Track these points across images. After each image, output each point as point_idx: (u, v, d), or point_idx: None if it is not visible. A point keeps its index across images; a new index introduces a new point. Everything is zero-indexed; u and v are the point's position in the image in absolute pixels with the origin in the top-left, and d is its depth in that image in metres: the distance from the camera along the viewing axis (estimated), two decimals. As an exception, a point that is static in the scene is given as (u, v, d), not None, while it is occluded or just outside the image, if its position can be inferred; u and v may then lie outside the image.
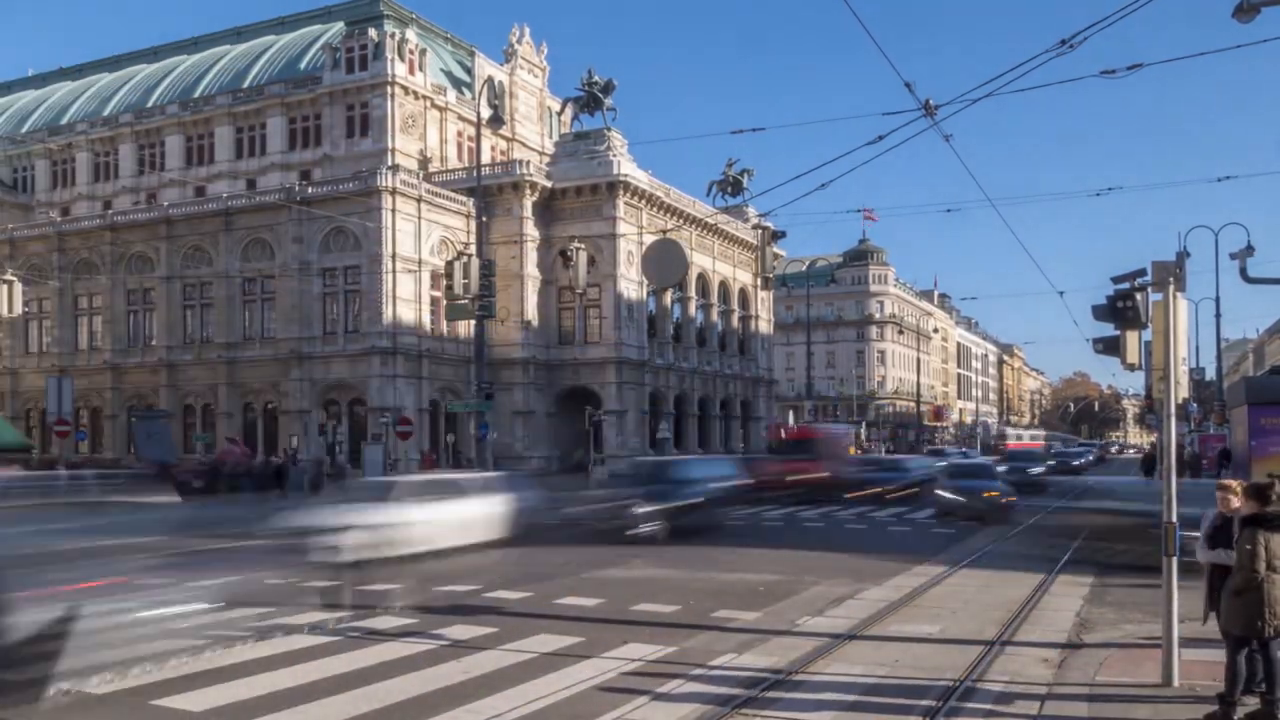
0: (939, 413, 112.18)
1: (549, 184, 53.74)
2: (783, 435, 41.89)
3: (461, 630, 11.24)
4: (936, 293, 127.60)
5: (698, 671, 9.31)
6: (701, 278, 61.85)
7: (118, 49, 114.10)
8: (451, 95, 60.42)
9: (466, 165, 56.76)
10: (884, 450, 74.39)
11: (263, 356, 51.14)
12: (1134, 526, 16.27)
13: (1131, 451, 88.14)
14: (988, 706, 8.17)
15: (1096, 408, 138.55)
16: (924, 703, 8.23)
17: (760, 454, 45.91)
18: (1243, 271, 24.24)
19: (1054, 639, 10.77)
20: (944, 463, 36.53)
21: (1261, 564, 7.11)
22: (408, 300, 48.80)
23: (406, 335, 48.61)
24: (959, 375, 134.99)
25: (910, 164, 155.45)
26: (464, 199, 50.86)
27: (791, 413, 68.97)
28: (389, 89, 56.12)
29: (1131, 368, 10.87)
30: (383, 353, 47.69)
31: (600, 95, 55.84)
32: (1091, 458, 68.74)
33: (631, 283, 53.43)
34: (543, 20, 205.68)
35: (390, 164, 52.50)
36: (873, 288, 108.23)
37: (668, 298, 57.85)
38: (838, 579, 15.03)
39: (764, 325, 70.63)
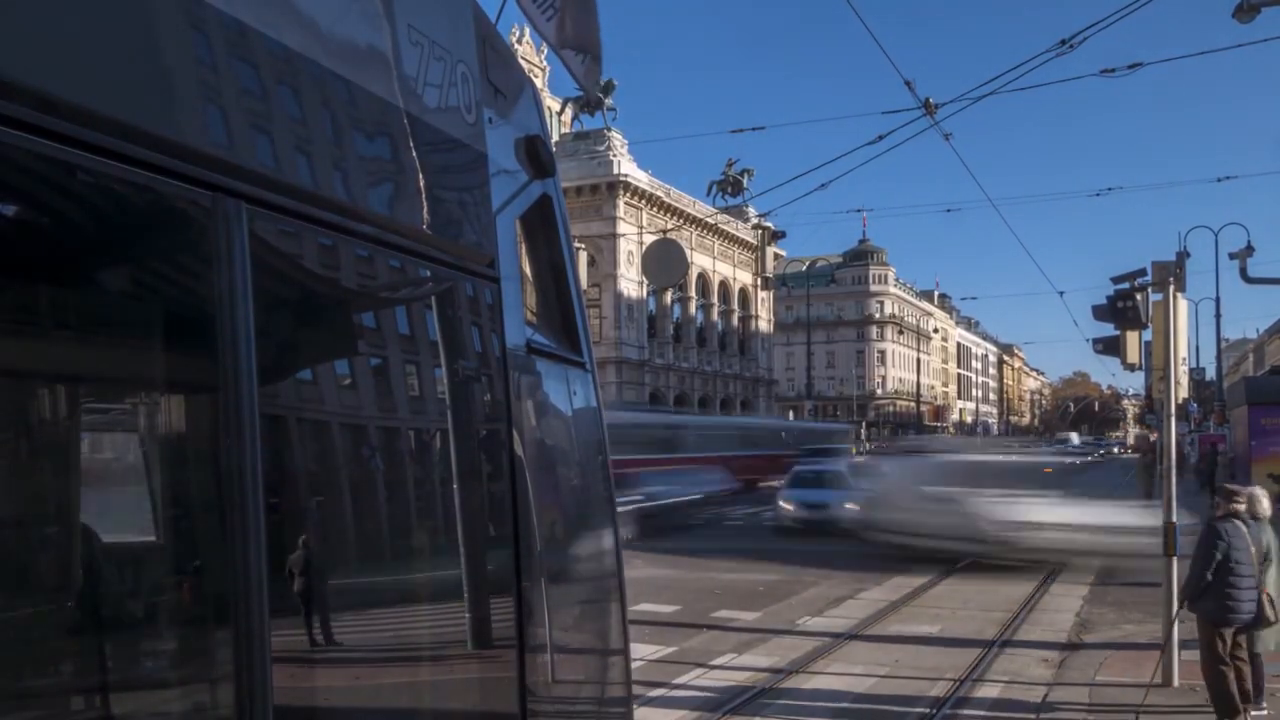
0: (939, 413, 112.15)
1: (549, 184, 53.74)
2: None
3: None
4: (937, 293, 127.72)
5: (697, 671, 9.31)
6: (701, 278, 61.91)
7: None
8: (451, 95, 60.45)
9: (466, 165, 56.77)
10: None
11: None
12: None
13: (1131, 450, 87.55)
14: (987, 706, 8.17)
15: (1096, 408, 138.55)
16: (925, 701, 8.23)
17: None
18: (1243, 271, 24.22)
19: (1054, 639, 10.77)
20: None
21: None
22: (408, 300, 48.82)
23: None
24: (959, 375, 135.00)
25: (910, 164, 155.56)
26: (464, 199, 50.85)
27: (791, 412, 68.98)
28: (389, 89, 56.18)
29: (1131, 368, 10.88)
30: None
31: (600, 95, 55.89)
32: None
33: (631, 283, 53.49)
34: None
35: (390, 164, 52.51)
36: (873, 288, 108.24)
37: (668, 297, 57.91)
38: (837, 579, 15.03)
39: (764, 325, 70.68)
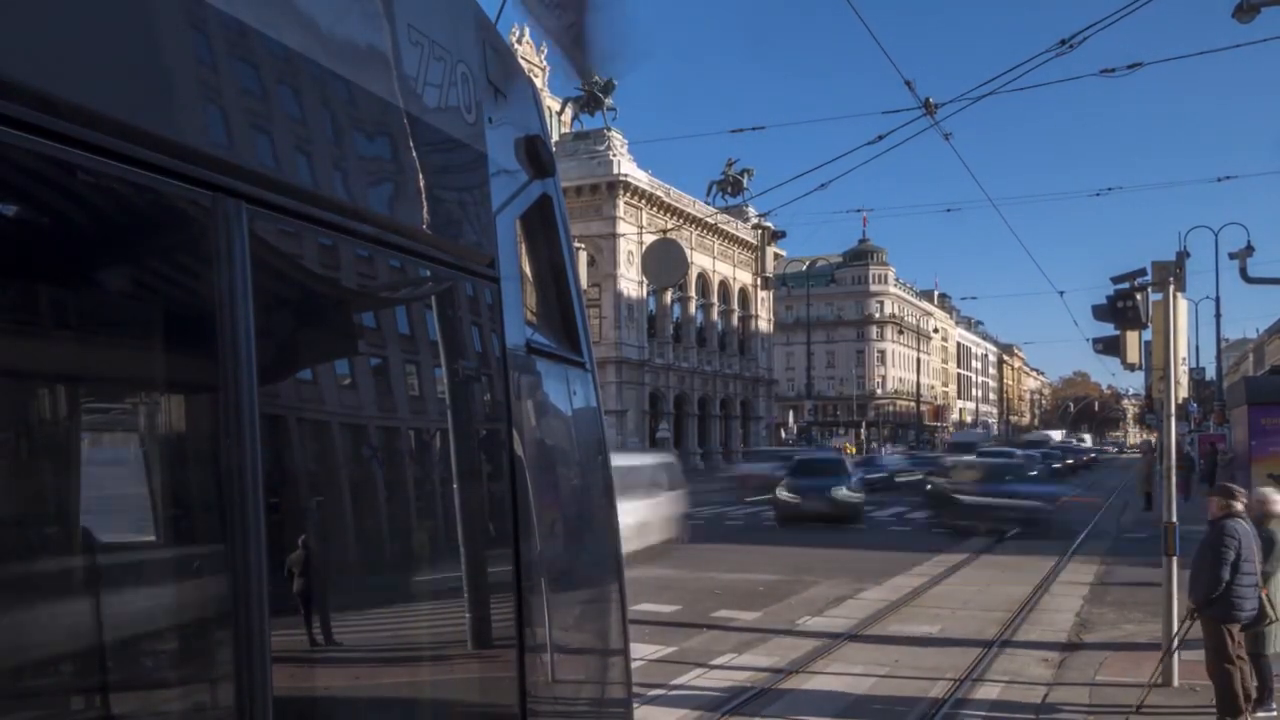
0: (939, 412, 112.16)
1: (549, 184, 53.79)
2: None
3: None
4: (937, 293, 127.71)
5: (697, 671, 9.31)
6: (701, 277, 61.91)
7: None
8: (451, 95, 60.42)
9: (466, 165, 56.79)
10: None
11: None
12: None
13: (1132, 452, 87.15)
14: (987, 707, 8.17)
15: (1096, 408, 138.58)
16: (925, 701, 8.23)
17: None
18: (1243, 271, 24.20)
19: (1054, 639, 10.77)
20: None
21: None
22: (408, 300, 48.90)
23: (406, 335, 48.68)
24: (959, 375, 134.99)
25: (910, 164, 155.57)
26: (464, 199, 50.91)
27: (791, 412, 68.97)
28: (389, 89, 56.13)
29: (1131, 368, 10.88)
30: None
31: (600, 95, 55.94)
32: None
33: (631, 282, 53.49)
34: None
35: (390, 164, 52.54)
36: (873, 288, 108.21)
37: (668, 297, 57.91)
38: (837, 579, 15.02)
39: (764, 325, 70.68)
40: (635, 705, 8.54)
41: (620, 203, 53.38)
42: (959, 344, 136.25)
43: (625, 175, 53.52)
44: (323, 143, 1.93)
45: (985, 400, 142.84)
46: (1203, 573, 7.25)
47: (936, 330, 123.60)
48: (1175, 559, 8.69)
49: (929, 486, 25.93)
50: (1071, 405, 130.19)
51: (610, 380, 53.48)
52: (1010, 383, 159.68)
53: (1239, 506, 7.32)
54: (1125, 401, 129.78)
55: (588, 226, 51.48)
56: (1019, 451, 36.30)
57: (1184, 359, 9.64)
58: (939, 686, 8.69)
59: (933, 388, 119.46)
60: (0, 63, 1.26)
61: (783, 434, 68.67)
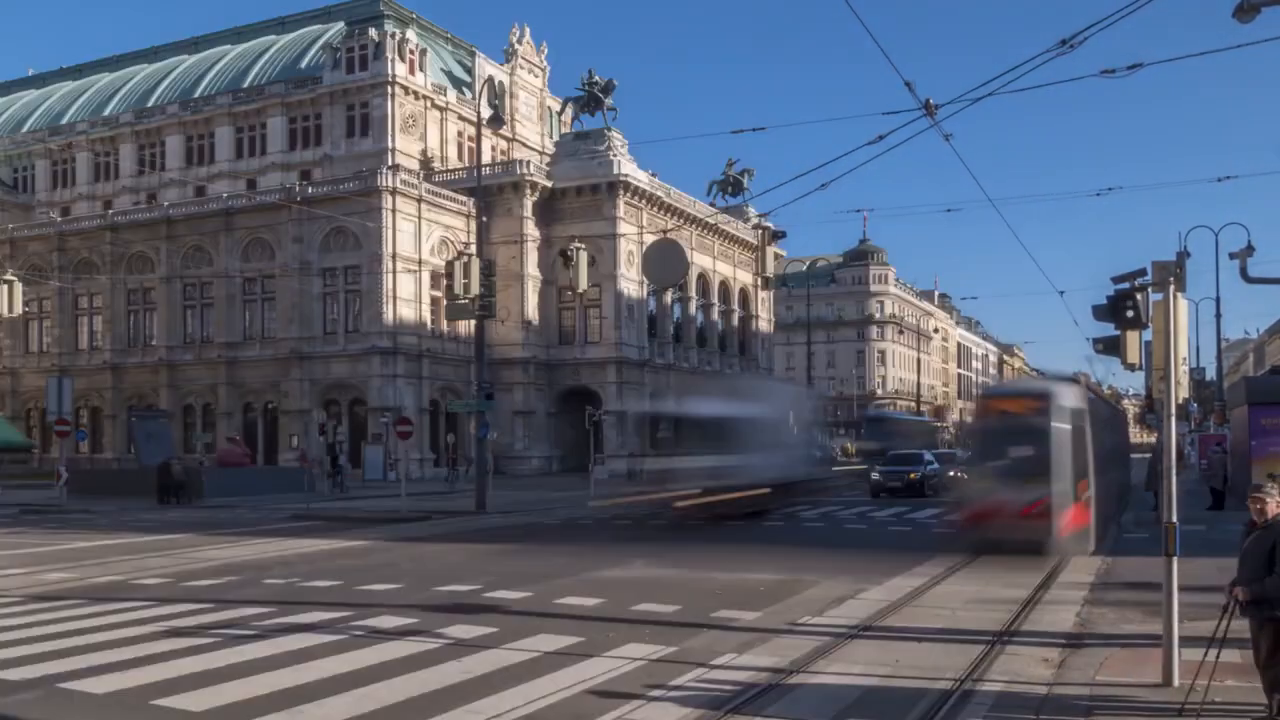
0: (939, 412, 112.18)
1: (549, 184, 53.78)
2: None
3: (462, 630, 11.24)
4: (937, 293, 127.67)
5: (698, 671, 9.31)
6: (701, 278, 61.89)
7: (118, 49, 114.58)
8: (452, 95, 60.47)
9: (467, 165, 56.82)
10: None
11: (263, 357, 51.23)
12: None
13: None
14: (988, 707, 8.17)
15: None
16: (926, 700, 8.24)
17: None
18: (1243, 271, 24.20)
19: (1054, 639, 10.77)
20: None
21: None
22: (408, 300, 48.86)
23: (407, 335, 48.65)
24: (959, 375, 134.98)
25: (910, 164, 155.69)
26: (464, 199, 50.91)
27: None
28: (389, 89, 56.21)
29: (1131, 368, 10.87)
30: (383, 352, 47.74)
31: (600, 95, 55.94)
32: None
33: (632, 283, 53.46)
34: (543, 20, 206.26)
35: (390, 164, 52.58)
36: (873, 288, 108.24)
37: (668, 298, 57.89)
38: (838, 579, 15.02)
39: (764, 325, 70.65)
40: (634, 705, 8.60)
41: (620, 203, 53.36)
42: (959, 344, 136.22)
43: (625, 175, 53.51)
44: None
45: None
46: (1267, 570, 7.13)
47: (936, 330, 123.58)
48: (1175, 559, 8.69)
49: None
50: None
51: (611, 380, 53.47)
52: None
53: None
54: (1125, 401, 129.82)
55: (588, 226, 51.43)
56: None
57: (1184, 359, 9.63)
58: (940, 686, 8.70)
59: (933, 388, 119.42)
60: None
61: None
